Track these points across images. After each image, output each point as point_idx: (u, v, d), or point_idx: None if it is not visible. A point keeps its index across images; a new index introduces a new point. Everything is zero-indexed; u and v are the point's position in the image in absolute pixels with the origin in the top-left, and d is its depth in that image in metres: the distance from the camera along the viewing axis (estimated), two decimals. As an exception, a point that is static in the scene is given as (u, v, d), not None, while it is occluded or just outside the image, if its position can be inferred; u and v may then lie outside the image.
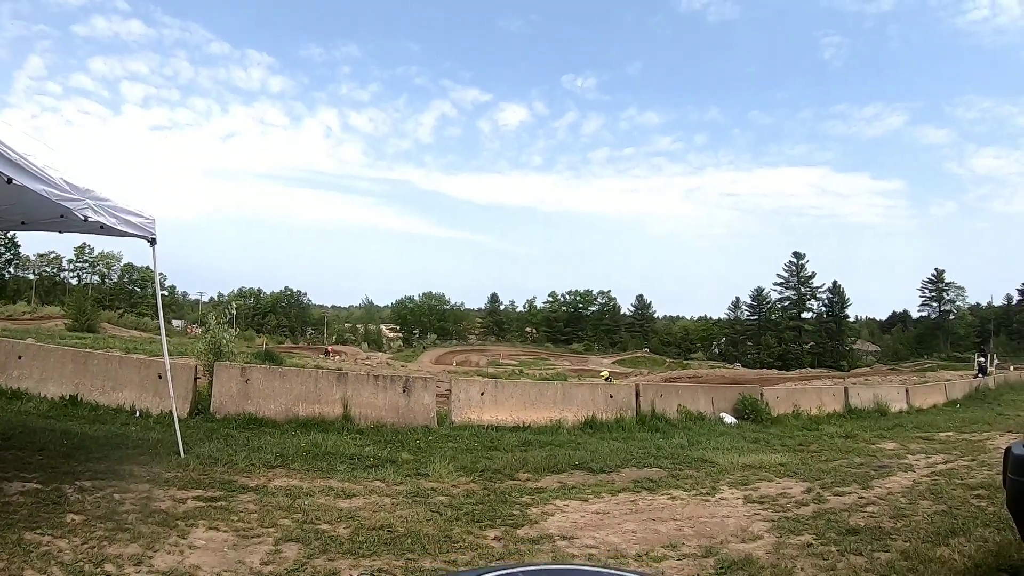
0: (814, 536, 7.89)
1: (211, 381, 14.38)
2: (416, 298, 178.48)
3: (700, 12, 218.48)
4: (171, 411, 11.10)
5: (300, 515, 7.66)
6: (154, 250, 9.98)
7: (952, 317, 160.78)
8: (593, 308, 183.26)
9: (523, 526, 7.93)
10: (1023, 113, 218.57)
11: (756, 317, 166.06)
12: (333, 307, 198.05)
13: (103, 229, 8.91)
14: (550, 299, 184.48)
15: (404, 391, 15.21)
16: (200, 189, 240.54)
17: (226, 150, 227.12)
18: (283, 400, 14.20)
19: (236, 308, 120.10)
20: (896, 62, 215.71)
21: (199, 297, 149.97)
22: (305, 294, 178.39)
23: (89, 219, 8.15)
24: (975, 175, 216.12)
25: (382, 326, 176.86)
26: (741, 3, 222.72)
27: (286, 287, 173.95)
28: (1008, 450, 5.17)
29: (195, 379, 14.47)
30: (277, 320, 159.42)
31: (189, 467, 9.55)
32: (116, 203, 8.70)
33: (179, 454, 10.14)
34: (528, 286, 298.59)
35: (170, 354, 12.84)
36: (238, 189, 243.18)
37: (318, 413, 14.22)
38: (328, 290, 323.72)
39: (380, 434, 13.53)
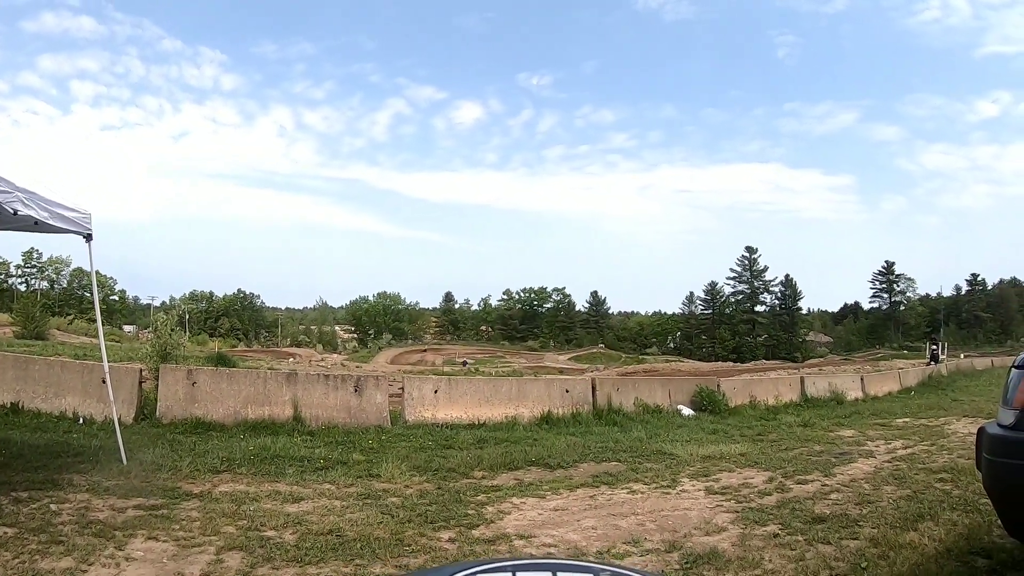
0: (780, 526, 7.75)
1: (157, 385, 14.00)
2: (371, 298, 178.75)
3: (656, 11, 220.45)
4: (115, 417, 10.76)
5: (245, 522, 7.35)
6: (90, 246, 9.66)
7: (903, 308, 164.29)
8: (548, 305, 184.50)
9: (478, 526, 7.68)
10: (972, 110, 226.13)
11: (710, 311, 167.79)
12: (287, 309, 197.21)
13: (37, 225, 8.59)
14: (505, 297, 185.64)
15: (356, 390, 14.91)
16: (151, 190, 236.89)
17: (178, 150, 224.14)
18: (231, 403, 13.88)
19: (188, 312, 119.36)
20: (848, 61, 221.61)
21: (150, 301, 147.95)
22: (258, 296, 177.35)
23: (19, 212, 7.81)
24: (925, 170, 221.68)
25: (337, 327, 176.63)
26: (697, 3, 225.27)
27: (239, 290, 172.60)
28: (981, 430, 5.08)
29: (140, 383, 14.04)
30: (230, 323, 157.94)
31: (131, 474, 9.20)
32: (46, 196, 8.37)
33: (121, 461, 9.77)
34: (483, 284, 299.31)
35: (120, 360, 12.51)
36: (190, 190, 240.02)
37: (268, 415, 13.91)
38: (282, 292, 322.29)
39: (331, 435, 13.24)
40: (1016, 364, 4.81)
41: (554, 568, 1.70)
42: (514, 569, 1.68)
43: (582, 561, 1.80)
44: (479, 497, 9.10)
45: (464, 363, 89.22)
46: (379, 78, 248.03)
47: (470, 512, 8.26)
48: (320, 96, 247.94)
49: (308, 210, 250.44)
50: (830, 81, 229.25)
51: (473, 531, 7.47)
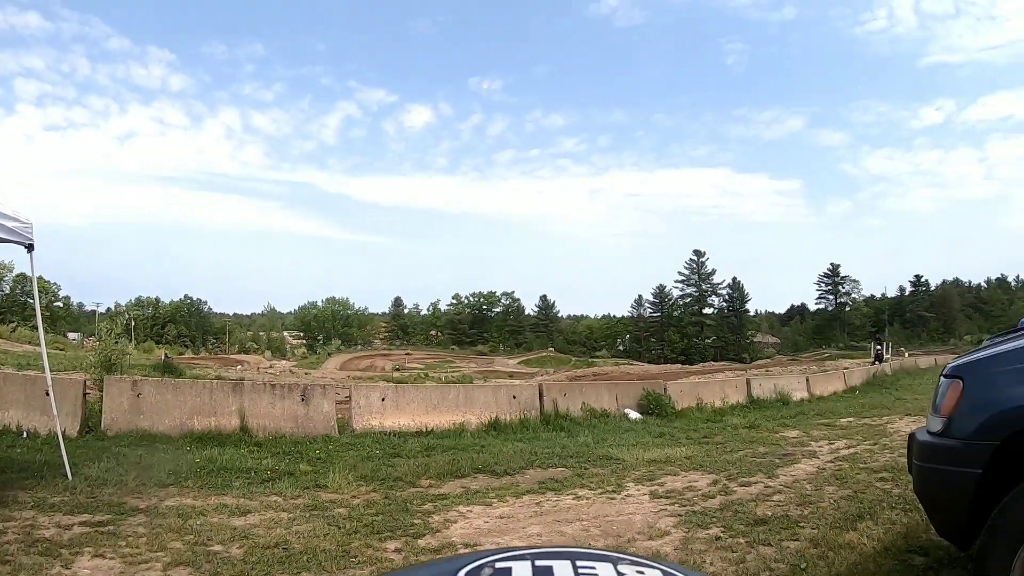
0: (722, 528, 7.90)
1: (102, 396, 13.85)
2: (319, 304, 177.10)
3: (608, 17, 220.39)
4: (58, 431, 10.63)
5: (192, 537, 7.33)
6: (31, 256, 9.56)
7: (848, 308, 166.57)
8: (497, 309, 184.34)
9: (424, 535, 7.73)
10: (916, 117, 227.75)
11: (659, 314, 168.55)
12: (235, 315, 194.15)
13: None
14: (454, 301, 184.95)
15: (303, 399, 14.84)
16: (96, 193, 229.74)
17: (123, 152, 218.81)
18: (177, 414, 13.75)
19: (134, 318, 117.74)
20: (796, 68, 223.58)
21: (96, 308, 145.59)
22: (206, 302, 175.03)
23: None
24: (869, 175, 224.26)
25: (285, 333, 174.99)
26: (648, 9, 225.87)
27: (186, 295, 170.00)
28: (912, 436, 5.24)
29: (84, 394, 13.81)
30: (177, 330, 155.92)
31: (77, 490, 9.10)
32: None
33: (67, 476, 9.65)
34: (432, 289, 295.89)
35: (64, 369, 12.34)
36: (135, 193, 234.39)
37: (214, 426, 13.79)
38: (230, 297, 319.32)
39: (279, 445, 13.19)
40: (944, 373, 4.95)
41: (572, 556, 1.74)
42: (533, 557, 1.72)
43: (600, 550, 1.84)
44: (426, 506, 9.13)
45: (397, 368, 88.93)
46: (330, 80, 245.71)
47: (416, 521, 8.30)
48: (269, 98, 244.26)
49: (256, 214, 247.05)
50: (778, 87, 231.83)
51: (419, 541, 7.52)
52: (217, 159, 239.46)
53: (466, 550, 7.18)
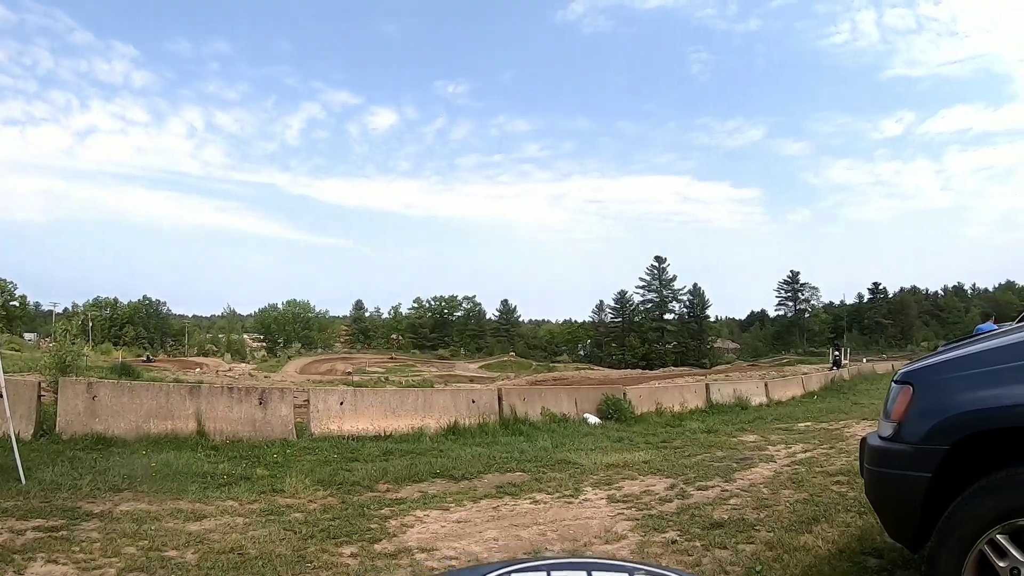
0: (678, 532, 7.93)
1: (57, 399, 13.69)
2: (280, 306, 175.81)
3: (575, 24, 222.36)
4: (12, 434, 10.49)
5: (146, 542, 7.23)
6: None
7: (807, 315, 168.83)
8: (458, 313, 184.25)
9: (381, 540, 7.70)
10: (877, 129, 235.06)
11: (620, 319, 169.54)
12: (194, 316, 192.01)
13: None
14: (415, 305, 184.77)
15: (260, 403, 14.76)
16: (56, 190, 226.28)
17: (84, 148, 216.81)
18: (133, 417, 13.58)
19: (91, 319, 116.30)
20: (760, 79, 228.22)
21: (53, 308, 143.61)
22: (164, 303, 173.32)
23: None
24: (830, 184, 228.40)
25: (245, 336, 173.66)
26: (615, 17, 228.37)
27: (144, 296, 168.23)
28: (863, 440, 5.30)
29: (39, 397, 13.62)
30: (135, 331, 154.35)
31: (30, 494, 8.97)
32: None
33: (20, 480, 9.50)
34: (394, 292, 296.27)
35: (20, 370, 12.16)
36: (96, 190, 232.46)
37: (170, 429, 13.64)
38: (189, 299, 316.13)
39: (236, 449, 13.10)
40: (895, 379, 5.01)
41: (589, 567, 1.74)
42: (549, 568, 1.72)
43: (617, 560, 1.85)
44: (383, 511, 9.10)
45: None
46: (294, 81, 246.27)
47: (373, 526, 8.27)
48: (233, 97, 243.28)
49: (217, 214, 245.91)
50: (741, 97, 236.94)
51: (375, 546, 7.48)
52: (179, 158, 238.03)
53: (422, 555, 7.21)
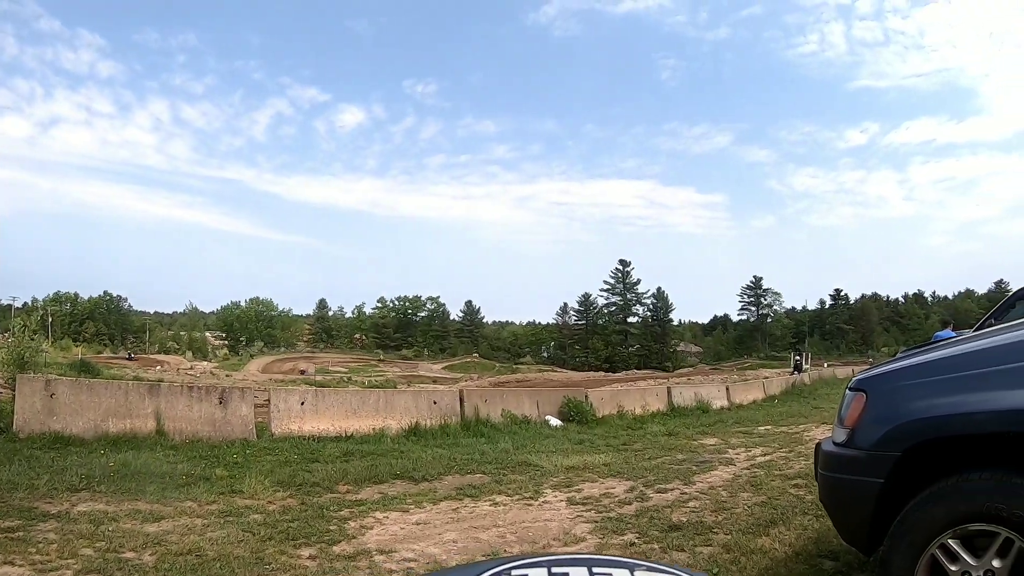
0: (637, 535, 7.98)
1: (14, 396, 13.53)
2: (243, 304, 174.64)
3: (546, 27, 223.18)
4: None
5: (104, 543, 7.17)
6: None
7: (769, 320, 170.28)
8: (422, 314, 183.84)
9: (340, 542, 7.69)
10: (841, 138, 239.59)
11: (584, 322, 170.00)
12: (156, 313, 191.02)
13: None
14: (379, 305, 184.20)
15: (221, 402, 14.65)
16: (17, 180, 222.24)
17: (47, 139, 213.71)
18: (92, 416, 13.40)
19: (51, 314, 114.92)
20: (728, 86, 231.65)
21: (11, 302, 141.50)
22: (126, 299, 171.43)
23: None
24: (794, 192, 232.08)
25: (207, 333, 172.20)
26: (586, 22, 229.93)
27: (105, 292, 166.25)
28: (818, 446, 5.39)
29: (-5, 394, 13.56)
30: (96, 327, 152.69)
31: (-14, 494, 8.89)
32: None
33: (-25, 480, 9.45)
34: (358, 292, 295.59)
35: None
36: (58, 182, 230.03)
37: (130, 429, 13.48)
38: (151, 295, 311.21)
39: (195, 449, 12.99)
40: (849, 386, 5.07)
41: (590, 564, 1.75)
42: (549, 565, 1.72)
43: (617, 557, 1.85)
44: (342, 512, 9.08)
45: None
46: (262, 76, 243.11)
47: (332, 528, 8.25)
48: (200, 90, 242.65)
49: (181, 209, 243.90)
50: (709, 104, 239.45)
51: (334, 547, 7.47)
52: (143, 151, 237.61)
53: (381, 557, 7.20)
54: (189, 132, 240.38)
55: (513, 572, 1.66)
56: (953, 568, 4.11)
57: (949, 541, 4.14)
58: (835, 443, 5.05)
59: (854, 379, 5.19)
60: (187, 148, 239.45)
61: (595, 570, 1.71)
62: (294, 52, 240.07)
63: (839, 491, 5.03)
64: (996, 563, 4.00)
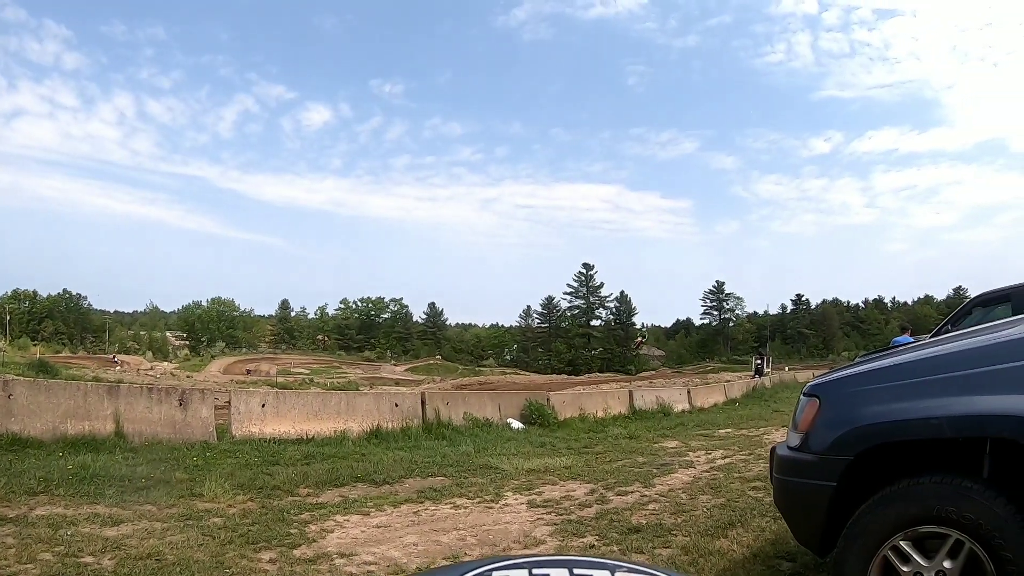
0: (597, 537, 8.05)
1: (-29, 397, 13.36)
2: (204, 304, 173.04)
3: (516, 30, 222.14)
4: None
5: (62, 548, 7.11)
6: None
7: (731, 324, 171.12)
8: (385, 315, 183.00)
9: (300, 546, 7.69)
10: (806, 146, 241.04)
11: (547, 325, 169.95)
12: (116, 312, 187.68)
13: None
14: (342, 306, 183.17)
15: (181, 404, 14.52)
16: None
17: (9, 131, 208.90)
18: (50, 417, 13.21)
19: (9, 312, 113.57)
20: (695, 93, 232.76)
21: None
22: (86, 297, 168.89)
23: None
24: (758, 198, 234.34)
25: (168, 333, 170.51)
26: (556, 26, 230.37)
27: (64, 289, 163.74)
28: (773, 450, 5.49)
29: (-48, 396, 13.37)
30: (55, 326, 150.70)
31: (-58, 498, 8.79)
32: None
33: (-69, 483, 9.34)
34: (321, 292, 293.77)
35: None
36: (17, 175, 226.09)
37: (89, 431, 13.30)
38: (111, 293, 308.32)
39: (155, 452, 12.84)
40: (804, 391, 5.17)
41: (570, 565, 1.77)
42: (530, 566, 1.74)
43: (598, 558, 1.86)
44: (303, 515, 9.07)
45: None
46: (229, 72, 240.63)
47: (292, 531, 8.24)
48: (166, 85, 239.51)
49: (144, 206, 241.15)
50: (676, 110, 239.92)
51: (295, 551, 7.47)
52: (106, 146, 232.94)
53: (342, 560, 7.21)
54: (153, 127, 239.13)
55: (494, 574, 1.69)
56: (905, 569, 4.23)
57: (901, 543, 4.26)
58: (789, 447, 5.15)
59: (808, 385, 5.29)
60: (151, 144, 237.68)
61: (576, 571, 1.73)
62: (262, 48, 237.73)
63: (793, 494, 5.13)
64: (947, 564, 4.13)
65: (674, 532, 8.12)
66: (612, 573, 1.73)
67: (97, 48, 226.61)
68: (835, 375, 5.39)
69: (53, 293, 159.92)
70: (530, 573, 1.70)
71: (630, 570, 1.78)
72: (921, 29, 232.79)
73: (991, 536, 4.01)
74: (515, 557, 1.86)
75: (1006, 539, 3.99)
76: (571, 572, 1.73)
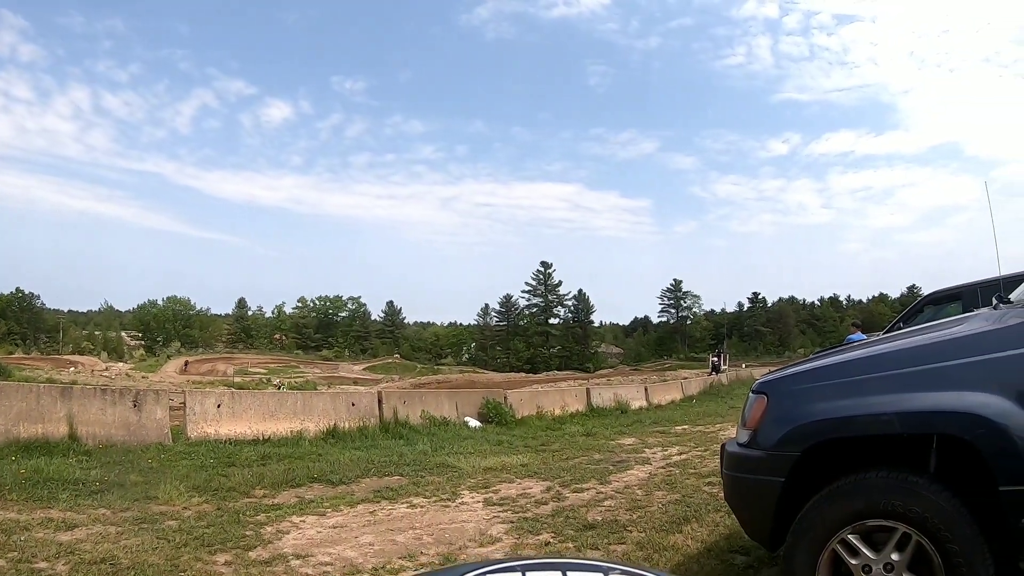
0: (553, 534, 8.10)
1: (-80, 400, 13.17)
2: (160, 303, 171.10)
3: (479, 28, 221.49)
4: None
5: (15, 553, 7.04)
6: None
7: (689, 322, 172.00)
8: (343, 314, 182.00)
9: (256, 547, 7.67)
10: (764, 148, 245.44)
11: (505, 323, 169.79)
12: (70, 311, 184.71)
13: None
14: (299, 305, 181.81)
15: (135, 405, 14.39)
16: None
17: None
18: (2, 420, 12.99)
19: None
20: (655, 94, 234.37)
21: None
22: (39, 297, 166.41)
23: None
24: (716, 198, 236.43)
25: (123, 333, 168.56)
26: (519, 24, 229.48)
27: (17, 288, 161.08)
28: (723, 447, 5.59)
29: (-100, 400, 13.17)
30: (7, 326, 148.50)
31: None
32: None
33: None
34: (278, 291, 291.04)
35: None
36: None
37: (42, 434, 13.11)
38: (65, 292, 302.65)
39: (109, 454, 12.74)
40: (752, 388, 5.24)
41: (564, 567, 1.77)
42: (524, 569, 1.74)
43: (592, 560, 1.87)
44: (259, 517, 9.05)
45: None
46: (189, 66, 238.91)
47: (248, 533, 8.22)
48: (124, 79, 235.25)
49: (99, 203, 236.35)
50: (636, 111, 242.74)
51: (250, 553, 7.45)
52: (62, 140, 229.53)
53: (297, 561, 7.21)
54: (110, 122, 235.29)
55: None
56: (854, 561, 4.33)
57: (849, 536, 4.36)
58: (738, 444, 5.23)
59: (756, 382, 5.37)
60: (107, 139, 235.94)
61: (570, 574, 1.75)
62: (222, 43, 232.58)
63: (742, 490, 5.22)
64: (895, 556, 4.24)
65: (629, 528, 8.20)
66: (606, 575, 1.75)
67: (54, 40, 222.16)
68: (783, 372, 5.48)
69: (5, 292, 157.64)
70: (524, 575, 1.72)
71: (624, 572, 1.80)
72: (880, 35, 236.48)
73: (937, 529, 4.12)
74: (510, 560, 1.88)
75: (952, 532, 4.10)
76: (565, 574, 1.74)
